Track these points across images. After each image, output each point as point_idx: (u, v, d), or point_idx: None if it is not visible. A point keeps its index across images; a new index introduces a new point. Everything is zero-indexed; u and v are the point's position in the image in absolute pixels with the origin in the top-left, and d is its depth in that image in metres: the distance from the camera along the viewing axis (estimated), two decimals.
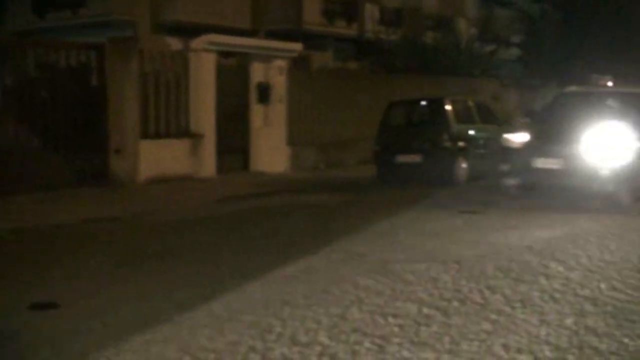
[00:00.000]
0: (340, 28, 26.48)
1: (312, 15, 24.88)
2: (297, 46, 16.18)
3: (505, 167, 10.95)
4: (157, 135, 13.44)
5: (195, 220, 9.56)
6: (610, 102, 11.65)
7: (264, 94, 15.23)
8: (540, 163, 10.25)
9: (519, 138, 10.90)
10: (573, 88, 12.67)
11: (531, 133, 10.80)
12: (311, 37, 23.73)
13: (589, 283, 5.54)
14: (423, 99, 15.16)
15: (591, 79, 12.44)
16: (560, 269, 6.05)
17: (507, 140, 11.17)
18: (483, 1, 35.84)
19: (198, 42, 13.97)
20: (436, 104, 13.99)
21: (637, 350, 3.98)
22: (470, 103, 14.66)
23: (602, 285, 5.45)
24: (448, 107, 13.50)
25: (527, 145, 10.62)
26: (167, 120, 13.69)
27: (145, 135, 13.07)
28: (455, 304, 5.00)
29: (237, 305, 5.04)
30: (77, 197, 11.17)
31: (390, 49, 24.16)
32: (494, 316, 4.68)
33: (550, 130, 10.69)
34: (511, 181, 10.67)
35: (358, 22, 27.18)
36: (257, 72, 15.25)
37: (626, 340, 4.17)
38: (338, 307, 4.94)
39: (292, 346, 4.16)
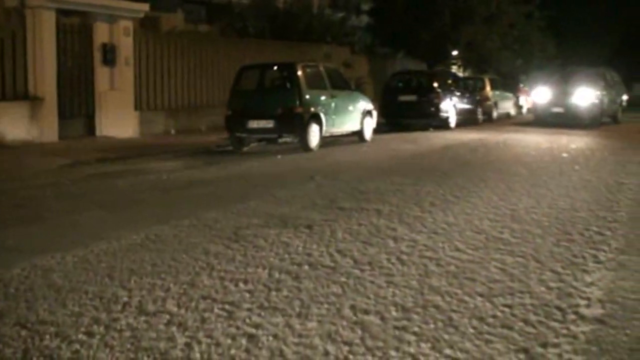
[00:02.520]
0: None
1: None
2: (143, 6, 15.56)
3: None
4: None
5: (32, 187, 9.02)
6: None
7: (109, 55, 14.58)
8: None
9: None
10: None
11: None
12: None
13: (433, 244, 5.75)
14: (275, 64, 15.12)
15: None
16: (407, 231, 6.24)
17: None
18: None
19: None
20: (288, 69, 13.97)
21: (477, 307, 4.16)
22: (322, 69, 14.77)
23: (446, 247, 5.67)
24: (300, 73, 13.51)
25: None
26: (2, 81, 12.78)
27: None
28: (306, 268, 5.02)
29: (79, 276, 4.79)
30: None
31: (241, 13, 23.90)
32: (343, 279, 4.74)
33: None
34: None
35: None
36: (102, 33, 14.56)
37: (467, 298, 4.35)
38: (187, 275, 4.82)
39: (139, 316, 4.00)
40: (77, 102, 14.39)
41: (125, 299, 4.31)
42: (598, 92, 21.54)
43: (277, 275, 4.83)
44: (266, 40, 21.31)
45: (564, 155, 12.99)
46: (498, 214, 7.06)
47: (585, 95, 21.27)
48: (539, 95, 23.02)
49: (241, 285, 4.60)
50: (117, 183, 9.43)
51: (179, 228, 6.36)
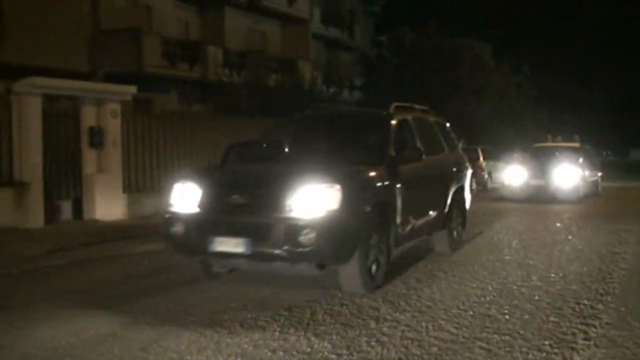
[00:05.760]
0: (183, 71, 26.10)
1: (152, 58, 24.36)
2: (131, 89, 15.57)
3: None
4: None
5: (8, 275, 8.77)
6: None
7: (97, 138, 14.51)
8: None
9: None
10: None
11: None
12: (154, 80, 23.17)
13: (417, 324, 5.48)
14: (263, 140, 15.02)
15: None
16: (390, 311, 5.98)
17: None
18: (326, 45, 36.86)
19: (21, 85, 13.06)
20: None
21: None
22: None
23: (430, 326, 5.41)
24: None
25: None
26: None
27: None
28: (281, 354, 4.75)
29: None
30: None
31: (233, 91, 24.10)
32: None
33: None
34: None
35: (201, 64, 26.95)
36: (89, 116, 14.52)
37: None
38: None
39: None
40: (65, 185, 14.26)
41: None
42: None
43: None
44: (258, 116, 21.36)
45: None
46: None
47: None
48: None
49: None
50: (98, 271, 9.18)
51: (153, 314, 6.10)
